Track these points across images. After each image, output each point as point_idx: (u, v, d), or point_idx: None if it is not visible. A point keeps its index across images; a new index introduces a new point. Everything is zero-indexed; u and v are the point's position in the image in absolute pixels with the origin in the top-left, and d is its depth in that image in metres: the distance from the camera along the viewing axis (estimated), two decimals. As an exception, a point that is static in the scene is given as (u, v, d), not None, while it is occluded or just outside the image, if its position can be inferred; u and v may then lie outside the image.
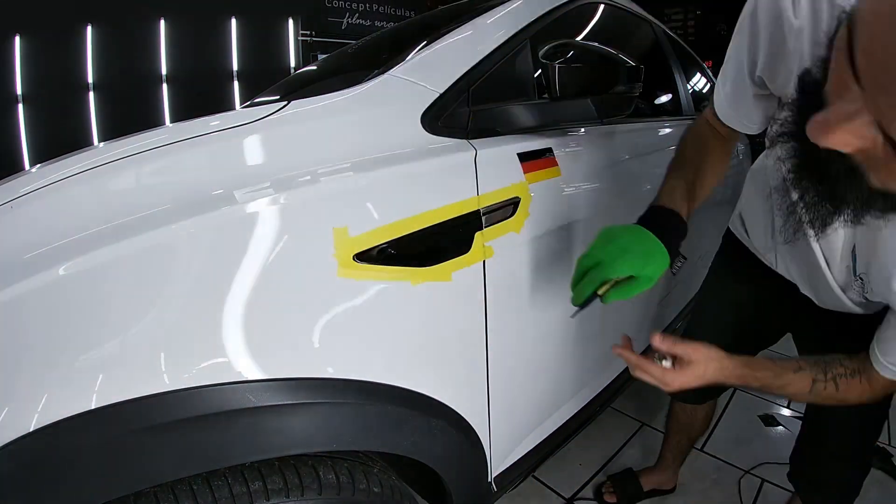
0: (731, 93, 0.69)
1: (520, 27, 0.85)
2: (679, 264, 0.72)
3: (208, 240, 0.49)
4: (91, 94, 3.44)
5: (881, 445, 1.46)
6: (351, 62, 1.19)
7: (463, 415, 0.70)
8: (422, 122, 0.68)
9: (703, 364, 0.67)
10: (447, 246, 0.64)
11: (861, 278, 0.65)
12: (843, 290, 0.71)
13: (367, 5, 4.49)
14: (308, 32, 4.18)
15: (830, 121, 0.37)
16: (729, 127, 0.73)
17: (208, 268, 0.48)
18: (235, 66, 3.98)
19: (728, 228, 1.01)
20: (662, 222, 0.67)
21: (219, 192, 0.51)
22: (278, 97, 1.13)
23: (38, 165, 0.59)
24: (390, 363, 0.61)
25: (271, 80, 1.55)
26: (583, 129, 0.94)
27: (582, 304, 0.66)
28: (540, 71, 0.84)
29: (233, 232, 0.50)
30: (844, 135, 0.37)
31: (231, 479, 0.52)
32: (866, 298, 0.68)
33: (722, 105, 0.72)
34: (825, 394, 0.67)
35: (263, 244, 0.50)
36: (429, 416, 0.66)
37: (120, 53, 3.47)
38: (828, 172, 0.45)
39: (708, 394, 1.12)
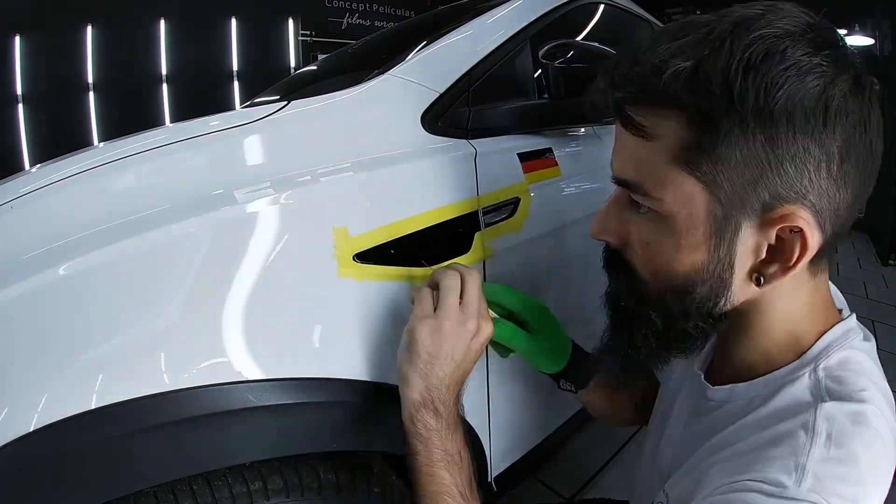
0: None
1: (520, 27, 0.84)
2: (566, 387, 0.69)
3: (208, 240, 0.49)
4: (91, 94, 3.43)
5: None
6: (351, 62, 1.19)
7: (463, 415, 0.70)
8: (422, 122, 0.67)
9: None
10: (447, 246, 0.64)
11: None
12: None
13: (367, 5, 4.48)
14: (308, 32, 4.18)
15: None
16: None
17: (208, 268, 0.48)
18: (235, 66, 3.97)
19: None
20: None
21: (219, 192, 0.51)
22: (278, 97, 1.13)
23: (38, 165, 0.59)
24: (391, 363, 0.61)
25: (271, 80, 1.55)
26: (583, 129, 0.93)
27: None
28: (540, 71, 0.84)
29: (233, 232, 0.50)
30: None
31: (231, 479, 0.52)
32: None
33: None
34: None
35: (263, 244, 0.50)
36: (429, 416, 0.65)
37: (120, 53, 3.46)
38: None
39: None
